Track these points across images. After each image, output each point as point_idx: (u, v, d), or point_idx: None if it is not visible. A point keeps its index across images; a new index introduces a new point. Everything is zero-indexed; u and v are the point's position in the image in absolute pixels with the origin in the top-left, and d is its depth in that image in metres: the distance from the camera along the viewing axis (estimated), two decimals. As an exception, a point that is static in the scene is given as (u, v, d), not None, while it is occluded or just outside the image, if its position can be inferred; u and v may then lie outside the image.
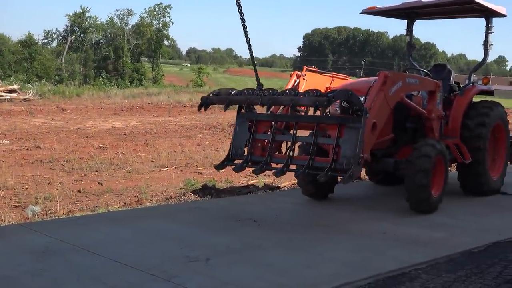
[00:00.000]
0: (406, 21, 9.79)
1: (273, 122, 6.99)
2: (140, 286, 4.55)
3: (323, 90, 9.92)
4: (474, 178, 8.51)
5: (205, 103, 7.05)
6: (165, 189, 10.09)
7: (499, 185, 8.99)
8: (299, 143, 7.22)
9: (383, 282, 4.79)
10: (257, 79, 6.75)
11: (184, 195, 9.25)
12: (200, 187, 9.69)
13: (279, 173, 6.51)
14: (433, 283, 4.78)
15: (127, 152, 15.09)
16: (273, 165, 6.81)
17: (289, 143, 6.73)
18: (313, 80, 10.79)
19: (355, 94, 6.22)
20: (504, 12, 8.90)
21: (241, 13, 6.48)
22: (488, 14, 8.91)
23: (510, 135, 9.54)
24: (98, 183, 10.87)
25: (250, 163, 6.92)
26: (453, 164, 9.48)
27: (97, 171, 12.18)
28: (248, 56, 7.22)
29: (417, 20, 9.82)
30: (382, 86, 6.69)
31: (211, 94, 7.21)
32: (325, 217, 7.21)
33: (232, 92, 7.08)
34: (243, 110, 7.21)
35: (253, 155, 6.96)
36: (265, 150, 6.90)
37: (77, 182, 10.99)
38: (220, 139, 19.06)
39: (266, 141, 6.98)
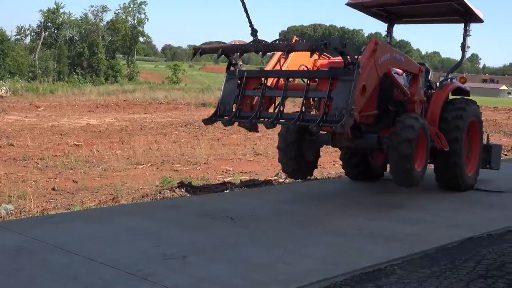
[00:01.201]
0: (386, 24, 10.01)
1: (263, 79, 6.96)
2: (116, 285, 4.52)
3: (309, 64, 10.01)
4: (451, 169, 8.62)
5: (197, 52, 7.01)
6: (141, 187, 10.03)
7: (474, 182, 9.13)
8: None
9: (359, 278, 4.83)
10: (251, 25, 6.66)
11: (160, 193, 9.21)
12: (176, 185, 9.65)
13: (270, 124, 6.51)
14: (408, 278, 4.83)
15: (102, 149, 14.97)
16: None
17: (279, 102, 6.74)
18: (298, 56, 10.78)
19: (349, 45, 6.31)
20: (481, 17, 9.23)
21: None
22: (467, 19, 9.18)
23: (484, 142, 9.71)
24: (73, 181, 10.76)
25: (238, 118, 6.91)
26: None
27: (71, 168, 12.06)
28: None
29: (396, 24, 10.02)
30: (373, 52, 6.74)
31: (202, 44, 7.16)
32: (301, 213, 7.24)
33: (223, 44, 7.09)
34: (232, 68, 7.17)
35: (242, 111, 6.96)
36: (254, 108, 6.90)
37: (52, 180, 10.87)
38: (196, 136, 19.01)
39: (256, 98, 6.98)
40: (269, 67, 9.52)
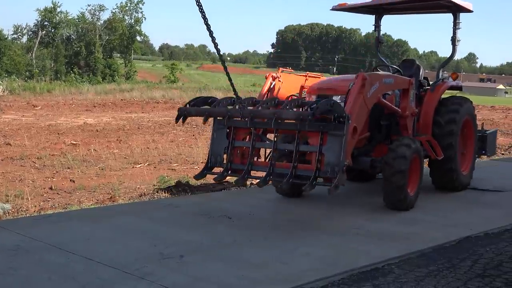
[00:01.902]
0: (374, 17, 9.87)
1: (252, 129, 6.84)
2: (114, 284, 4.52)
3: (298, 90, 9.90)
4: (446, 174, 8.62)
5: (183, 115, 6.93)
6: (138, 186, 10.02)
7: (469, 179, 9.14)
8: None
9: (357, 277, 4.84)
10: (235, 93, 6.63)
11: (157, 192, 9.20)
12: (173, 184, 9.64)
13: (262, 182, 6.44)
14: (406, 277, 4.84)
15: (100, 148, 14.96)
16: (254, 173, 6.75)
17: (269, 150, 6.68)
18: (288, 81, 10.82)
19: (336, 103, 6.17)
20: (470, 8, 8.98)
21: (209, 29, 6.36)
22: (456, 10, 9.00)
23: (478, 129, 9.70)
24: (70, 180, 10.75)
25: (230, 172, 6.84)
26: (425, 160, 9.58)
27: (69, 168, 12.05)
28: (222, 52, 7.00)
29: (385, 16, 9.90)
30: (361, 89, 6.58)
31: (187, 105, 7.07)
32: (299, 213, 7.25)
33: (210, 101, 7.01)
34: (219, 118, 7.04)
35: (233, 163, 6.86)
36: (245, 157, 6.81)
37: (49, 179, 10.85)
38: (193, 135, 19.00)
39: (245, 148, 6.90)
40: (265, 88, 9.53)
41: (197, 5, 6.26)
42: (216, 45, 6.63)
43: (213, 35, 6.63)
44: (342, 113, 6.14)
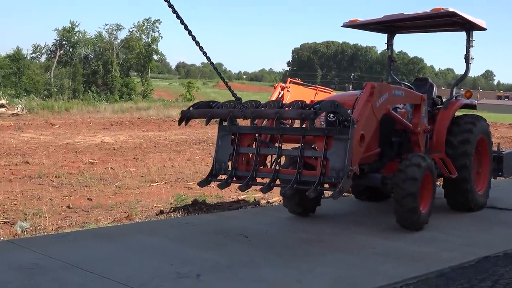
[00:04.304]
0: (386, 35, 9.85)
1: (257, 135, 6.83)
2: (131, 303, 4.52)
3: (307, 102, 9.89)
4: (461, 196, 8.47)
5: (185, 117, 6.87)
6: (155, 205, 10.06)
7: (485, 199, 9.00)
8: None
9: (374, 297, 4.80)
10: (232, 93, 6.48)
11: (174, 211, 9.23)
12: (190, 202, 9.66)
13: (266, 188, 6.39)
14: (424, 298, 4.79)
15: (117, 167, 15.05)
16: (259, 180, 6.69)
17: (274, 156, 6.64)
18: (297, 93, 10.80)
19: (341, 105, 6.11)
20: (484, 26, 8.94)
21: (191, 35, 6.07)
22: (469, 28, 8.95)
23: (494, 149, 9.56)
24: (88, 198, 10.82)
25: (235, 179, 6.77)
26: (439, 180, 9.45)
27: (86, 186, 12.13)
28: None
29: (398, 34, 9.89)
30: (369, 97, 6.56)
31: (191, 108, 7.01)
32: (315, 232, 7.21)
33: (213, 105, 6.93)
34: (225, 123, 7.02)
35: (238, 170, 6.80)
36: (250, 164, 6.76)
37: (66, 197, 10.93)
38: (210, 153, 19.03)
39: (251, 154, 6.85)
40: (273, 98, 9.46)
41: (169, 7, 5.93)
42: (197, 43, 6.29)
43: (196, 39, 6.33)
44: (346, 115, 6.11)
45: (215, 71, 6.48)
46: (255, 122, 6.62)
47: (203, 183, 7.00)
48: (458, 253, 6.24)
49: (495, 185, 9.51)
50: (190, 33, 5.98)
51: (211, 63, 6.43)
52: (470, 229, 7.59)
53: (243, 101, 6.59)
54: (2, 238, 7.62)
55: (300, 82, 14.15)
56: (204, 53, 6.22)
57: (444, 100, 9.08)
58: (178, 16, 5.76)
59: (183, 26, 5.89)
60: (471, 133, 8.51)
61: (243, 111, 6.42)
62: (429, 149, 8.25)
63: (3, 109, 36.18)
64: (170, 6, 5.62)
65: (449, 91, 9.34)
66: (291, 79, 13.07)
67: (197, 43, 6.10)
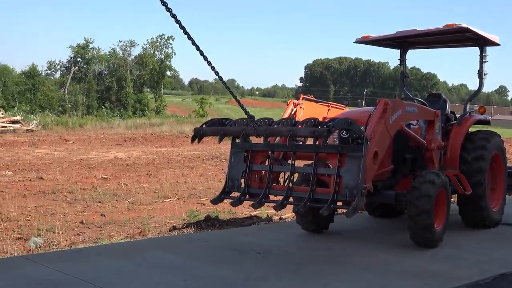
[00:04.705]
0: (399, 50, 9.82)
1: (270, 152, 6.81)
2: (144, 320, 4.51)
3: (320, 119, 9.90)
4: (476, 213, 8.37)
5: (198, 135, 6.85)
6: (168, 220, 10.06)
7: (500, 216, 8.89)
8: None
9: (389, 315, 4.74)
10: (245, 111, 6.49)
11: (187, 227, 9.22)
12: (203, 218, 9.65)
13: (279, 206, 6.37)
14: (439, 316, 4.73)
15: (130, 183, 15.09)
16: (272, 197, 6.67)
17: (287, 174, 6.61)
18: (310, 109, 10.80)
19: (354, 122, 6.10)
20: (497, 41, 8.90)
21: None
22: (482, 44, 8.91)
23: (509, 165, 9.46)
24: (101, 214, 10.85)
25: (247, 196, 6.75)
26: (454, 197, 9.36)
27: (99, 202, 12.17)
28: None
29: (410, 50, 9.85)
30: (383, 114, 6.53)
31: (204, 125, 7.01)
32: (329, 249, 7.17)
33: (226, 123, 6.93)
34: (237, 140, 7.00)
35: (251, 187, 6.77)
36: (263, 181, 6.73)
37: (80, 213, 10.97)
38: (223, 169, 19.03)
39: (264, 172, 6.83)
40: (286, 115, 9.43)
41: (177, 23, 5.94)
42: (207, 60, 6.18)
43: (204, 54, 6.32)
44: (360, 133, 6.08)
45: (227, 90, 6.48)
46: (268, 140, 6.61)
47: (216, 200, 6.98)
48: (473, 271, 6.16)
49: (510, 202, 9.40)
50: (198, 48, 5.98)
51: (223, 81, 6.42)
52: (485, 246, 7.50)
53: (255, 119, 6.59)
54: (16, 254, 7.64)
55: (312, 98, 14.17)
56: (216, 73, 6.24)
57: (457, 116, 9.02)
58: (185, 32, 5.79)
59: (190, 41, 5.90)
60: (485, 150, 8.42)
61: (256, 129, 6.41)
62: (443, 166, 8.18)
63: (18, 125, 36.51)
64: (178, 22, 5.67)
65: (462, 107, 9.30)
66: (303, 96, 13.08)
67: (206, 59, 6.10)
